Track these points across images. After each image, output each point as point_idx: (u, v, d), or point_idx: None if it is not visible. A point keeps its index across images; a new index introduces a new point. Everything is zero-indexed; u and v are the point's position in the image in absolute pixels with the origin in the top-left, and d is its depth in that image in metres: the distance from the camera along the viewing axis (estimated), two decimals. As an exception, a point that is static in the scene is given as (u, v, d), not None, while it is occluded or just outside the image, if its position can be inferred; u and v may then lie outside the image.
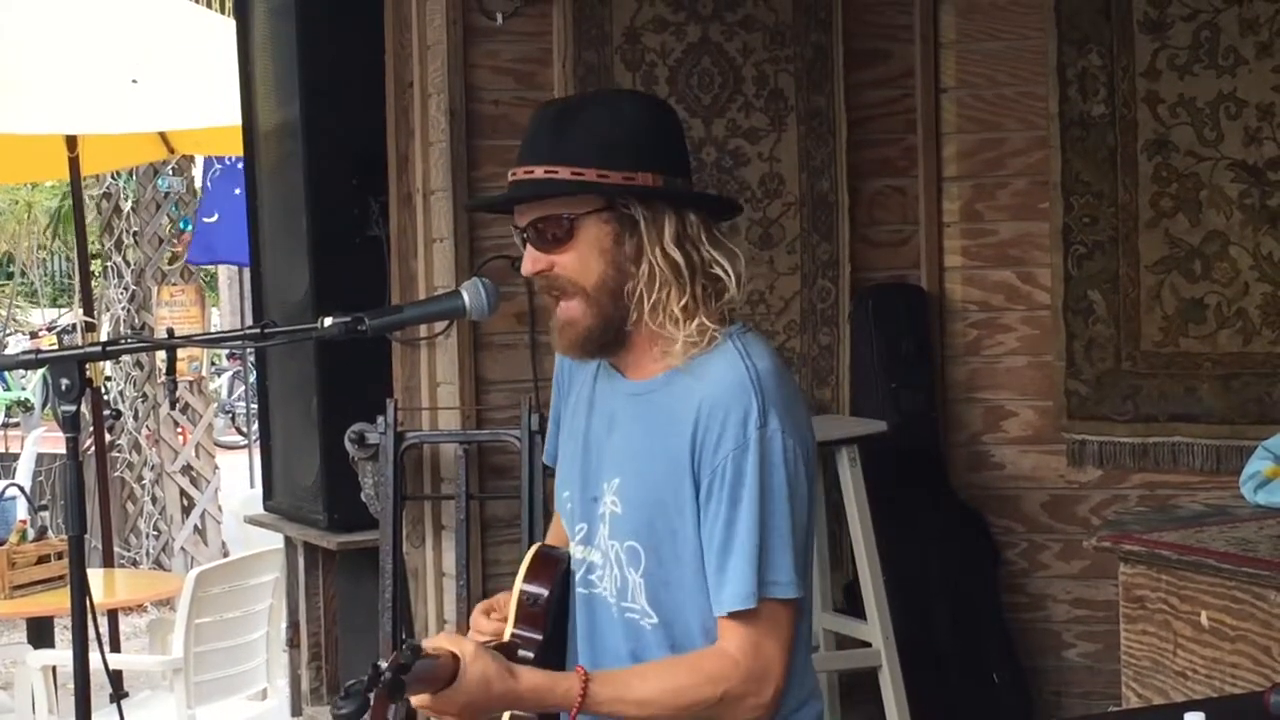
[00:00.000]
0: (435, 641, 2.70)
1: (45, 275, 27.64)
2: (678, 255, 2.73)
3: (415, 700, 2.63)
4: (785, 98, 5.72)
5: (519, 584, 2.90)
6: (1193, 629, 3.98)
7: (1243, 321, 5.50)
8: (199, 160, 10.88)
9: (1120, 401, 5.67)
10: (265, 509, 6.79)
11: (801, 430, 2.74)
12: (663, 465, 2.76)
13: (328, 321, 2.88)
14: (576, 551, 2.94)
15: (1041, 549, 5.84)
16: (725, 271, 2.76)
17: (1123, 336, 5.66)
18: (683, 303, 2.73)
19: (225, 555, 10.18)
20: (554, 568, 2.94)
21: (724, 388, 2.72)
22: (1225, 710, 2.83)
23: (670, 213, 2.75)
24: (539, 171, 2.75)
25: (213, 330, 13.32)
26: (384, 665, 2.49)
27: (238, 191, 10.20)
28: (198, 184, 11.23)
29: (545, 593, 2.90)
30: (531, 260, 2.79)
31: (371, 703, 2.47)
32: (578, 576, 2.94)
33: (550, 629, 2.90)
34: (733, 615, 2.70)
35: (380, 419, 5.27)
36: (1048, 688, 5.82)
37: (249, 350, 12.39)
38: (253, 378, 11.55)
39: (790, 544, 2.70)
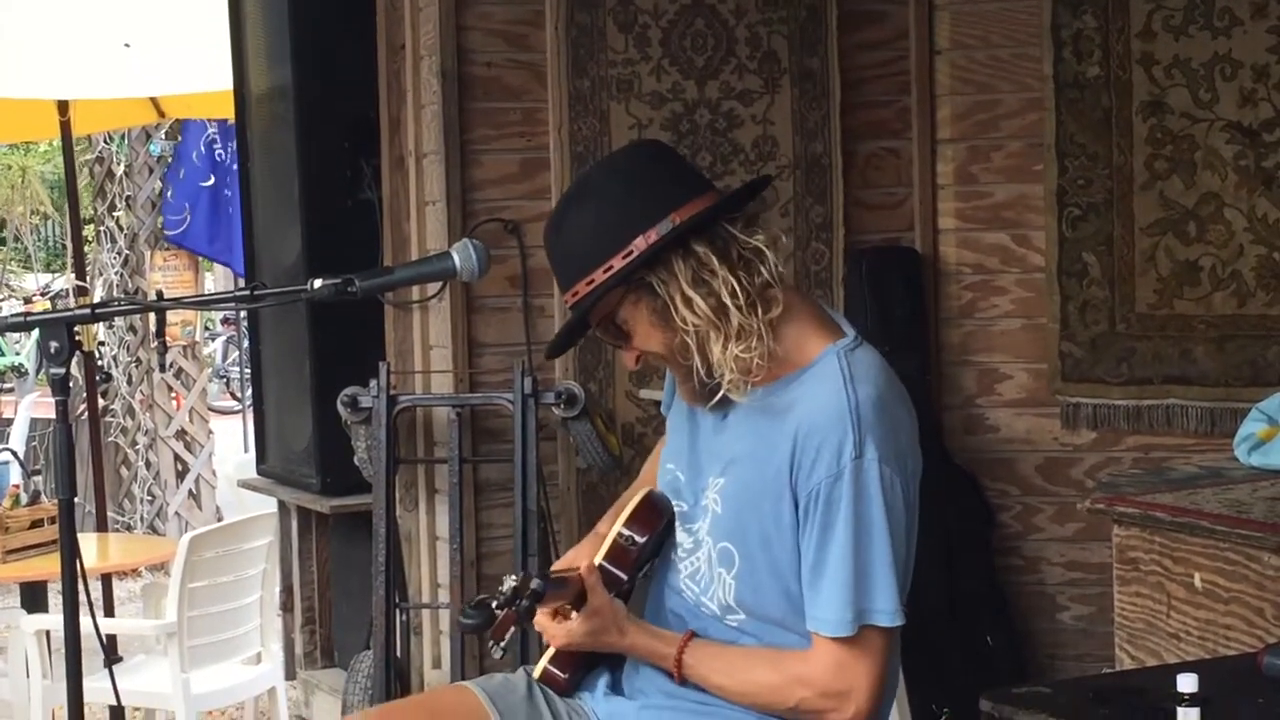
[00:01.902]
0: (573, 562, 2.93)
1: (39, 240, 27.60)
2: (697, 296, 2.77)
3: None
4: (779, 60, 5.70)
5: (619, 525, 2.97)
6: (1186, 591, 3.98)
7: (1237, 284, 5.49)
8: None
9: (1114, 364, 5.66)
10: (259, 473, 6.79)
11: (902, 457, 2.80)
12: (762, 476, 2.83)
13: (318, 283, 2.89)
14: None
15: (1035, 512, 5.84)
16: (746, 288, 2.77)
17: (1117, 299, 5.65)
18: (721, 342, 2.78)
19: (219, 520, 10.18)
20: (657, 520, 3.02)
21: (822, 414, 2.77)
22: (1218, 671, 2.83)
23: (676, 257, 2.80)
24: (569, 298, 2.88)
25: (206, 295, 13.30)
26: (514, 585, 2.61)
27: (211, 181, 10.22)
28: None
29: (642, 539, 2.97)
30: (625, 358, 2.94)
31: (498, 619, 2.60)
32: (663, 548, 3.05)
33: (634, 575, 2.99)
34: (827, 637, 2.77)
35: (373, 382, 5.26)
36: (1041, 650, 5.82)
37: (242, 315, 12.36)
38: (246, 342, 11.55)
39: (891, 572, 2.77)
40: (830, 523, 2.73)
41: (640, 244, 2.78)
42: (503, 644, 2.75)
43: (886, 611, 2.76)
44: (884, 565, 2.75)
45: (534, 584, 2.68)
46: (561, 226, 2.92)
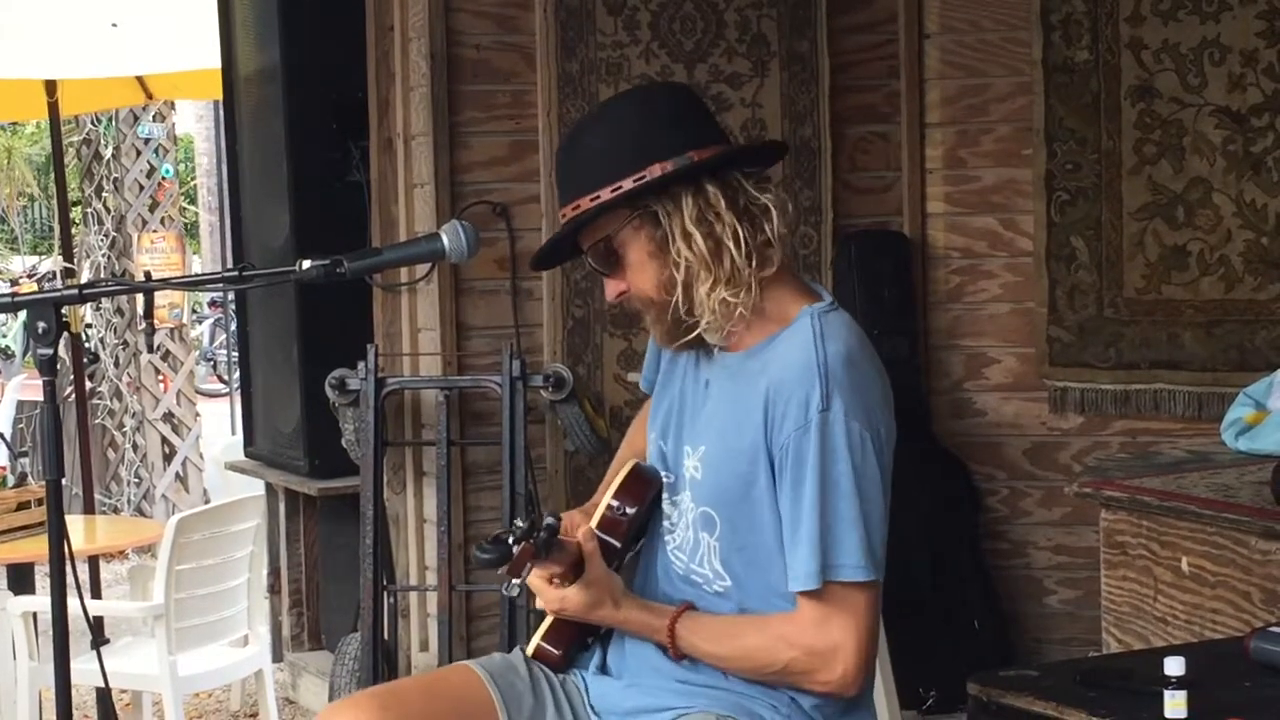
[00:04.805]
0: (566, 526, 2.90)
1: (25, 222, 27.54)
2: (698, 234, 2.80)
3: (531, 575, 2.82)
4: (768, 43, 5.69)
5: (608, 497, 2.99)
6: (1173, 575, 3.99)
7: (1225, 268, 5.49)
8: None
9: (1102, 348, 5.67)
10: (246, 456, 6.79)
11: (872, 414, 2.79)
12: (741, 438, 2.84)
13: (306, 264, 2.88)
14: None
15: (1023, 496, 5.85)
16: (747, 239, 2.80)
17: (1105, 283, 5.65)
18: (709, 284, 2.81)
19: (206, 502, 10.17)
20: (646, 490, 3.02)
21: (792, 369, 2.79)
22: (1205, 655, 2.83)
23: (687, 192, 2.82)
24: (569, 211, 2.88)
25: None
26: (522, 525, 2.67)
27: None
28: (179, 131, 11.14)
29: (632, 510, 2.98)
30: (609, 288, 2.94)
31: (515, 553, 2.60)
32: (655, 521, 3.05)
33: (627, 545, 3.00)
34: (803, 594, 2.78)
35: (361, 365, 5.25)
36: (1028, 634, 5.83)
37: (230, 297, 12.33)
38: (234, 325, 11.53)
39: (858, 526, 2.76)
40: (800, 477, 2.74)
41: (655, 170, 2.81)
42: (518, 581, 2.73)
43: (851, 566, 2.75)
44: (849, 520, 2.74)
45: (548, 519, 2.71)
46: (577, 141, 2.95)
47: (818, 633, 2.77)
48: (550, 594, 2.89)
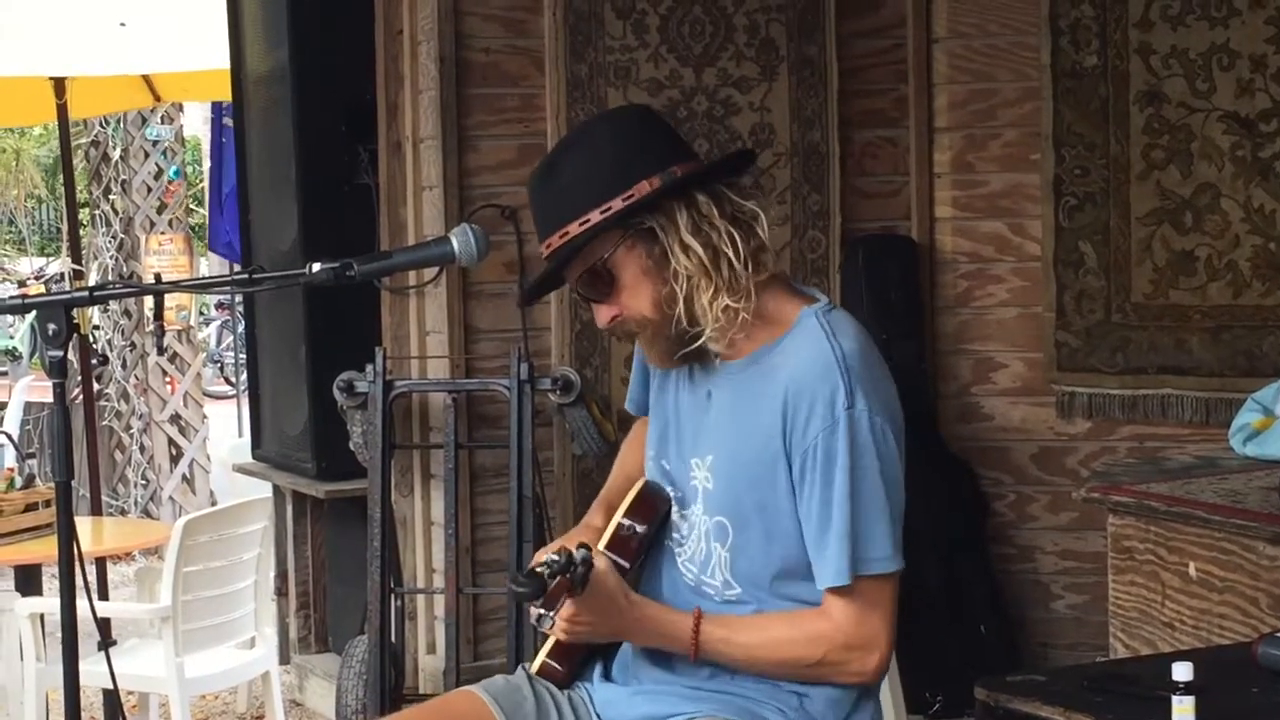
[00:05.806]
0: (567, 544, 2.84)
1: (33, 224, 27.57)
2: (696, 245, 2.79)
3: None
4: (776, 47, 5.69)
5: (619, 516, 2.99)
6: (1181, 580, 3.99)
7: (1233, 274, 5.49)
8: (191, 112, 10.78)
9: (1110, 353, 5.67)
10: (254, 458, 6.78)
11: (890, 408, 2.82)
12: (754, 443, 2.84)
13: (316, 267, 2.88)
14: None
15: (1030, 500, 5.85)
16: (739, 246, 2.80)
17: (1113, 288, 5.65)
18: (710, 292, 2.80)
19: (213, 504, 10.17)
20: (655, 509, 3.01)
21: (811, 369, 2.79)
22: (1213, 661, 2.83)
23: (679, 204, 2.82)
24: (555, 240, 2.86)
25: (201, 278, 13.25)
26: (563, 557, 2.64)
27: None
28: (187, 133, 11.14)
29: (642, 529, 2.98)
30: (600, 314, 2.91)
31: (549, 587, 2.58)
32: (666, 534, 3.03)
33: (636, 565, 2.99)
34: (834, 590, 2.79)
35: (369, 367, 5.25)
36: (1034, 639, 5.83)
37: (238, 299, 12.34)
38: (241, 327, 11.54)
39: (885, 519, 2.79)
40: (830, 476, 2.75)
41: (644, 188, 2.80)
42: (551, 614, 2.71)
43: (882, 559, 2.78)
44: (879, 514, 2.77)
45: (579, 554, 2.69)
46: (554, 169, 2.91)
47: (856, 628, 2.79)
48: (559, 622, 2.83)
